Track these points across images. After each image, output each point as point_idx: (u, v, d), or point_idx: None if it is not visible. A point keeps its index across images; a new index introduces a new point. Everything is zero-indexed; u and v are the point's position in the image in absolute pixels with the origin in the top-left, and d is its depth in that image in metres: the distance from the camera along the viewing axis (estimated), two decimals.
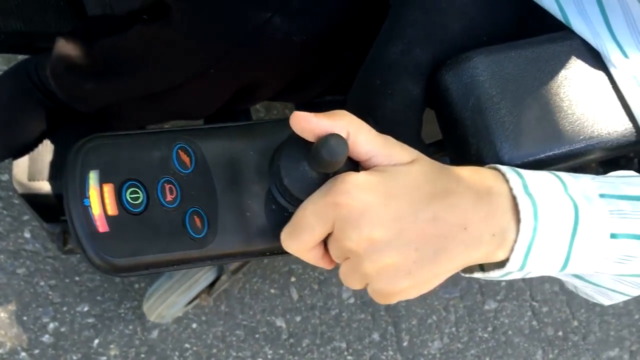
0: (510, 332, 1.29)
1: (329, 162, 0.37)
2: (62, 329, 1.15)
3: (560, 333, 1.31)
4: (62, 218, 0.91)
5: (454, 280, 1.29)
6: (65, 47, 0.80)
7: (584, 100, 0.49)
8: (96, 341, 1.16)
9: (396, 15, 0.53)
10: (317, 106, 0.73)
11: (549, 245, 0.39)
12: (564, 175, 0.42)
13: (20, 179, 0.93)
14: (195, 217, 0.41)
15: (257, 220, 0.42)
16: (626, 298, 0.47)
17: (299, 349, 1.22)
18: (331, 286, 1.25)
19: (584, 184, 0.42)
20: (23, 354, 1.13)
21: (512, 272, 0.41)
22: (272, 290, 1.23)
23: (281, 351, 1.21)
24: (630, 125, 0.49)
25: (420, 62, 0.51)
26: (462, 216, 0.38)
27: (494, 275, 0.42)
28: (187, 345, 1.18)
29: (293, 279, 1.24)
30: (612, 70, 0.49)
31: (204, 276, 0.99)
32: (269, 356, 1.20)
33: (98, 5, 0.89)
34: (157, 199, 0.40)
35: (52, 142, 0.96)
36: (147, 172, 0.40)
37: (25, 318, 1.14)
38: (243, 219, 0.42)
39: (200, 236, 0.41)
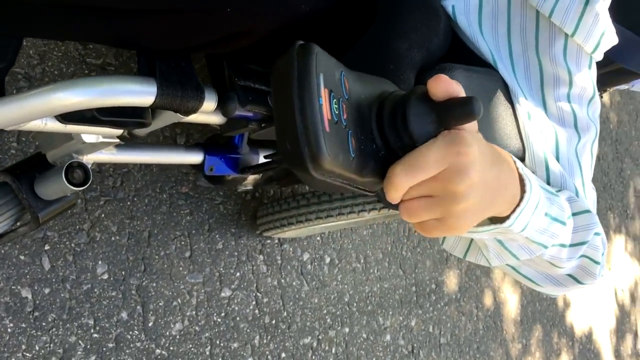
0: (238, 318, 1.41)
1: (469, 118, 0.47)
2: None
3: (273, 321, 1.49)
4: None
5: (200, 267, 1.36)
6: None
7: (504, 118, 0.70)
8: None
9: (395, 15, 0.65)
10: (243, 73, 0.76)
11: (527, 211, 0.57)
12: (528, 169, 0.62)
13: None
14: (352, 139, 0.45)
15: (366, 154, 0.47)
16: (513, 260, 0.68)
17: (43, 323, 1.10)
18: (86, 259, 1.17)
19: (534, 176, 0.62)
20: None
21: (499, 227, 0.58)
22: (22, 257, 1.09)
23: (23, 325, 1.08)
24: (521, 146, 0.72)
25: (416, 60, 0.64)
26: (506, 178, 0.54)
27: (485, 228, 0.58)
28: None
29: (47, 247, 1.13)
30: (516, 105, 0.71)
31: (2, 223, 0.85)
32: (9, 330, 1.06)
33: None
34: (340, 115, 0.43)
35: None
36: (337, 88, 0.43)
37: None
38: (360, 151, 0.47)
39: (353, 156, 0.45)
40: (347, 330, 1.69)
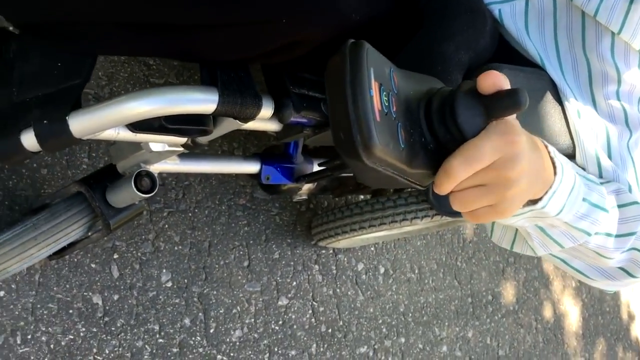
0: (295, 327, 1.45)
1: (516, 109, 0.49)
2: None
3: (329, 330, 1.52)
4: None
5: (257, 276, 1.40)
6: None
7: (551, 117, 0.71)
8: None
9: (443, 18, 0.68)
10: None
11: (561, 193, 0.59)
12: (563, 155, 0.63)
13: None
14: (402, 131, 0.48)
15: (414, 147, 0.50)
16: (557, 248, 0.69)
17: (112, 328, 1.16)
18: (152, 268, 1.23)
19: (570, 162, 0.63)
20: None
21: (534, 209, 0.59)
22: (93, 265, 1.16)
23: (94, 329, 1.14)
24: (570, 143, 0.73)
25: (463, 62, 0.67)
26: (541, 163, 0.55)
27: (520, 211, 0.59)
28: None
29: (115, 256, 1.19)
30: (565, 103, 0.73)
31: (76, 231, 0.91)
32: (81, 334, 1.12)
33: None
34: (390, 107, 0.46)
35: None
36: (386, 83, 0.46)
37: None
38: (410, 144, 0.50)
39: (403, 147, 0.48)
40: (403, 340, 1.69)
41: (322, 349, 1.49)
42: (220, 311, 1.32)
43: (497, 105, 0.50)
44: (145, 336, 1.20)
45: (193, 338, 1.27)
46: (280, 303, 1.43)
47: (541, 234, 0.68)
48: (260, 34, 0.66)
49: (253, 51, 0.69)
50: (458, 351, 1.84)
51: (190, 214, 1.31)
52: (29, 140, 0.71)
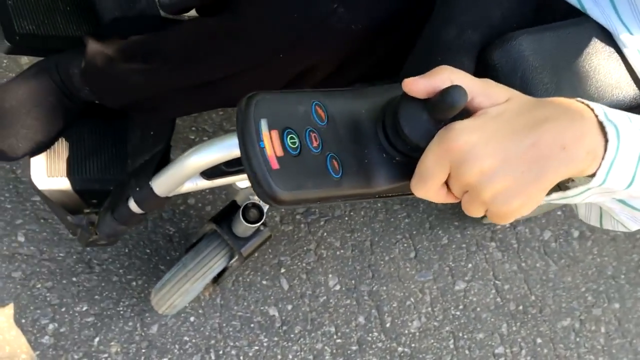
0: (478, 309, 1.42)
1: (453, 108, 0.46)
2: (62, 330, 1.16)
3: (520, 307, 1.45)
4: (86, 211, 0.95)
5: (427, 264, 1.41)
6: (98, 45, 0.84)
7: (604, 72, 0.62)
8: (96, 339, 1.17)
9: (446, 4, 0.64)
10: None
11: (624, 163, 0.48)
12: (625, 112, 0.52)
13: (40, 176, 0.95)
14: (333, 161, 0.48)
15: (372, 166, 0.50)
16: None
17: (292, 335, 1.28)
18: (318, 275, 1.33)
19: (637, 119, 0.51)
20: (23, 356, 1.13)
21: (591, 188, 0.50)
22: (264, 282, 1.29)
23: (275, 338, 1.27)
24: (637, 91, 0.62)
25: (472, 42, 0.62)
26: (561, 137, 0.46)
27: (573, 192, 0.51)
28: (186, 338, 1.22)
29: (282, 270, 1.31)
30: (622, 48, 0.62)
31: (218, 263, 1.04)
32: (265, 344, 1.26)
33: (117, 9, 0.95)
34: (307, 145, 0.48)
35: (67, 139, 0.99)
36: (298, 122, 0.48)
37: (23, 321, 1.14)
38: (363, 165, 0.50)
39: (337, 177, 0.48)
40: (617, 306, 1.54)
41: (514, 328, 1.43)
42: (394, 305, 1.36)
43: (436, 110, 0.47)
44: (323, 338, 1.30)
45: (370, 334, 1.33)
46: (457, 287, 1.42)
47: (624, 207, 0.59)
48: (274, 70, 0.70)
49: (277, 85, 0.72)
50: None
51: (346, 218, 1.38)
52: (133, 205, 0.84)
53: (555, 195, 0.53)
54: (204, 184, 0.83)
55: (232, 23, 0.68)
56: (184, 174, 0.78)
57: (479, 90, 0.49)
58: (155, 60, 0.78)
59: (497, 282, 1.45)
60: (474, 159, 0.46)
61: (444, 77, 0.48)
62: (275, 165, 0.45)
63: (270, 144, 0.45)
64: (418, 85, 0.47)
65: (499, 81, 0.61)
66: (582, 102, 0.49)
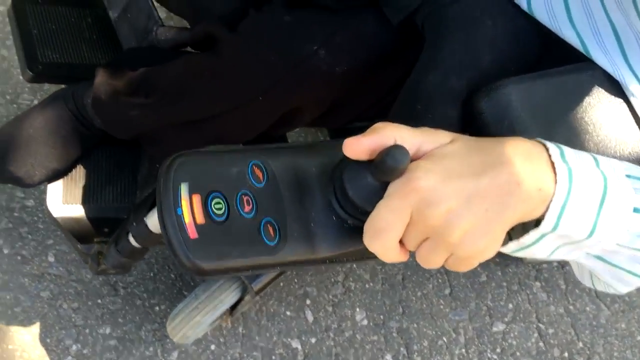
0: (518, 354, 1.33)
1: (395, 170, 0.42)
2: (85, 351, 1.18)
3: (566, 354, 1.35)
4: (96, 240, 0.95)
5: (462, 302, 1.33)
6: (106, 76, 0.85)
7: (606, 124, 0.55)
8: None
9: (433, 47, 0.59)
10: (349, 132, 0.78)
11: (579, 208, 0.45)
12: (595, 155, 0.48)
13: (55, 203, 0.97)
14: (268, 226, 0.45)
15: (319, 230, 0.47)
16: (637, 281, 0.52)
17: None
18: (345, 308, 1.28)
19: (614, 164, 0.47)
20: None
21: (545, 233, 0.46)
22: (288, 313, 1.26)
23: None
24: None
25: (456, 89, 0.57)
26: (516, 174, 0.44)
27: (528, 239, 0.47)
28: None
29: (308, 302, 1.28)
30: (630, 98, 0.55)
31: (229, 297, 1.02)
32: None
33: (134, 40, 0.95)
34: (237, 210, 0.44)
35: (85, 166, 1.00)
36: (227, 185, 0.45)
37: (48, 340, 1.17)
38: (308, 230, 0.46)
39: (273, 244, 0.45)
40: None
41: None
42: (424, 344, 1.30)
43: (379, 172, 0.43)
44: None
45: None
46: (495, 329, 1.33)
47: (604, 265, 0.52)
48: (257, 110, 0.67)
49: (263, 125, 0.70)
50: None
51: None
52: (132, 239, 0.84)
53: (512, 245, 0.49)
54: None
55: (215, 62, 0.67)
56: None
57: (423, 137, 0.46)
58: (154, 94, 0.77)
59: (540, 325, 1.35)
60: (439, 199, 0.42)
61: (387, 133, 0.44)
62: (193, 234, 0.42)
63: (190, 210, 0.43)
64: (359, 147, 0.44)
65: (487, 130, 0.56)
66: (539, 142, 0.47)
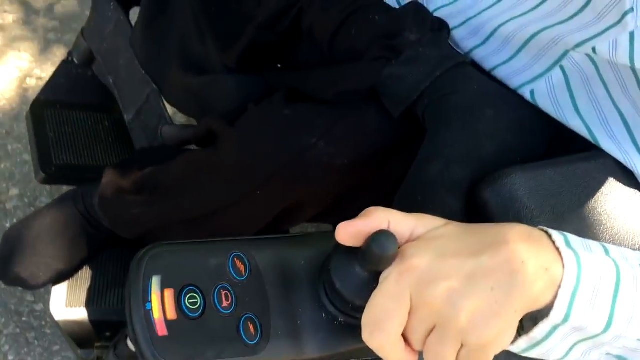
0: None
1: (382, 257, 0.39)
2: None
3: None
4: (97, 345, 0.92)
5: None
6: (113, 175, 0.85)
7: (620, 215, 0.51)
8: None
9: (434, 137, 0.57)
10: None
11: (592, 295, 0.41)
12: (604, 243, 0.44)
13: (58, 305, 0.94)
14: (249, 323, 0.42)
15: (307, 328, 0.43)
16: None
17: None
18: None
19: (625, 252, 0.44)
20: None
21: (557, 325, 0.42)
22: None
23: None
24: None
25: (458, 179, 0.54)
26: (518, 252, 0.40)
27: (539, 332, 0.42)
28: None
29: None
30: None
31: None
32: None
33: (145, 140, 0.96)
34: (214, 305, 0.41)
35: (91, 268, 0.98)
36: (204, 279, 0.42)
37: None
38: (294, 327, 0.43)
39: (253, 343, 0.42)
40: None
41: None
42: None
43: (367, 260, 0.40)
44: None
45: None
46: None
47: None
48: (256, 205, 0.66)
49: (263, 221, 0.68)
50: None
51: None
52: (130, 344, 0.80)
53: (522, 342, 0.44)
54: None
55: (214, 157, 0.66)
56: None
57: (416, 221, 0.43)
58: (156, 192, 0.76)
59: None
60: (437, 277, 0.39)
61: (379, 217, 0.42)
62: (162, 331, 0.39)
63: (160, 305, 0.40)
64: (351, 229, 0.41)
65: (491, 222, 0.52)
66: (541, 229, 0.44)
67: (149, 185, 0.79)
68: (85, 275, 0.97)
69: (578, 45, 0.53)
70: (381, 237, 0.39)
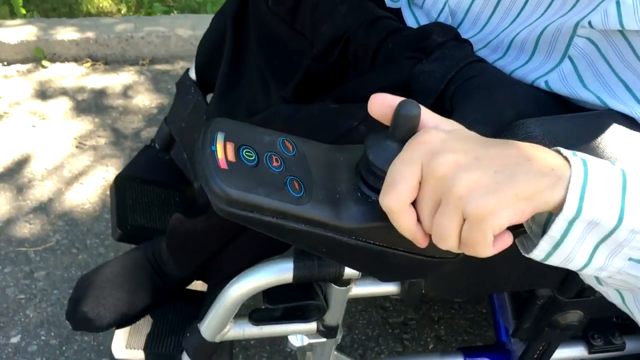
0: None
1: (407, 118, 0.46)
2: None
3: None
4: None
5: None
6: (182, 216, 0.94)
7: (629, 157, 0.57)
8: None
9: (459, 110, 0.66)
10: None
11: (601, 189, 0.45)
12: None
13: (119, 346, 0.99)
14: (294, 182, 0.48)
15: (344, 201, 0.49)
16: None
17: None
18: None
19: (629, 164, 0.48)
20: None
21: (572, 219, 0.45)
22: None
23: None
24: None
25: (482, 134, 0.62)
26: (525, 151, 0.46)
27: (556, 229, 0.45)
28: None
29: None
30: None
31: None
32: None
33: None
34: (266, 163, 0.48)
35: (152, 316, 1.04)
36: (259, 145, 0.50)
37: None
38: (333, 199, 0.49)
39: (297, 195, 0.48)
40: None
41: None
42: None
43: (395, 128, 0.47)
44: None
45: None
46: None
47: None
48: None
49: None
50: None
51: None
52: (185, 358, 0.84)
53: (544, 242, 0.47)
54: (252, 331, 0.81)
55: None
56: (226, 308, 0.78)
57: (442, 119, 0.50)
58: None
59: None
60: (447, 149, 0.45)
61: (412, 101, 0.49)
62: (223, 165, 0.46)
63: (223, 150, 0.47)
64: (379, 99, 0.48)
65: None
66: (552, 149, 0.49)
67: (206, 209, 0.88)
68: (146, 322, 1.03)
69: (577, 25, 0.63)
70: (407, 102, 0.46)
